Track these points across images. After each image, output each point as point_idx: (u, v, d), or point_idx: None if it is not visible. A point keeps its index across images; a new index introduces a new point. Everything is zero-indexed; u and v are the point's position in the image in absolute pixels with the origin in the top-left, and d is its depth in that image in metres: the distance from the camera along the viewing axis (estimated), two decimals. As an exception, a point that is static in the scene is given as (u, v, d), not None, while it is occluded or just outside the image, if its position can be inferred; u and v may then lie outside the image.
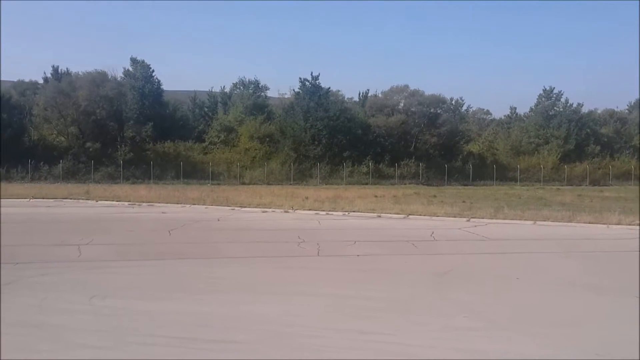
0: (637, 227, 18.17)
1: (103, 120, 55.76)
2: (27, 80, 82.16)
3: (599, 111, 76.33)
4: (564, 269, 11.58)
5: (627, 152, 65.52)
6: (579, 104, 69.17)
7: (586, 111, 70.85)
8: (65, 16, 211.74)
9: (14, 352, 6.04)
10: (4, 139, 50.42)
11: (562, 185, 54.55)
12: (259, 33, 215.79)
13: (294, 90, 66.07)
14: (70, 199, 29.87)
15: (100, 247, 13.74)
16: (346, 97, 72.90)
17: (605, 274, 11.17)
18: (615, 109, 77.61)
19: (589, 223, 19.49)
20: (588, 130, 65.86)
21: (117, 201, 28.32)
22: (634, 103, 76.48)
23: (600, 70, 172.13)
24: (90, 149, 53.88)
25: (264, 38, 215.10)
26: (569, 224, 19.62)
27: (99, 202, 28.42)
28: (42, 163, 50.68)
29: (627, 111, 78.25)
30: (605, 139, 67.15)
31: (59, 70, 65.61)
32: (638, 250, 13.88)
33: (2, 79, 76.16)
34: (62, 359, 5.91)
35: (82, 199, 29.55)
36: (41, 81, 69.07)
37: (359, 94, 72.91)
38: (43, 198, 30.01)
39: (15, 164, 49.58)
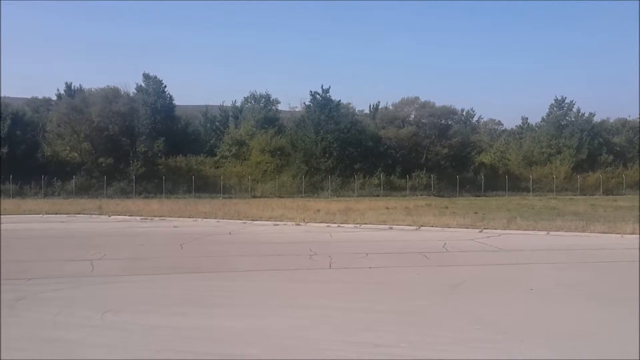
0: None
1: (115, 135, 56.10)
2: (40, 97, 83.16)
3: (611, 120, 75.83)
4: (578, 280, 11.48)
5: (640, 160, 64.94)
6: (590, 113, 68.69)
7: (598, 120, 70.42)
8: (77, 34, 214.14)
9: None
10: (17, 155, 50.89)
11: (575, 195, 54.17)
12: (269, 47, 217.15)
13: (304, 103, 66.19)
14: (83, 214, 30.03)
15: (112, 261, 13.79)
16: (357, 109, 72.97)
17: (619, 284, 11.06)
18: (628, 118, 77.02)
19: (603, 233, 19.34)
20: (600, 139, 65.44)
21: (130, 216, 28.44)
22: (646, 111, 76.08)
23: (612, 79, 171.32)
24: (103, 164, 54.18)
25: (275, 52, 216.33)
26: (583, 234, 19.47)
27: (112, 217, 28.55)
28: (55, 179, 51.00)
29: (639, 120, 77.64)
30: (618, 148, 66.69)
31: (72, 87, 66.11)
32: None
33: (16, 96, 77.34)
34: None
35: (95, 214, 29.71)
36: (54, 98, 69.66)
37: (370, 106, 72.90)
38: (56, 213, 30.20)
39: (29, 180, 49.90)
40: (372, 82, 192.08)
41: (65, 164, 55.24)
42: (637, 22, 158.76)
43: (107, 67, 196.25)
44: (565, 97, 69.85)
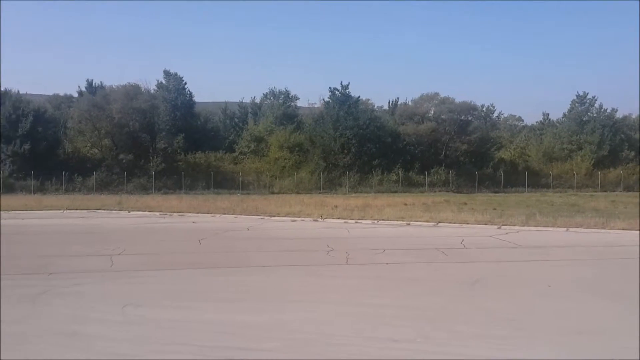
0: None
1: (136, 132, 56.51)
2: (62, 94, 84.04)
3: (633, 116, 74.88)
4: (596, 277, 11.38)
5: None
6: (613, 109, 67.78)
7: (620, 116, 69.55)
8: (99, 31, 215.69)
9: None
10: (39, 152, 51.52)
11: (596, 192, 53.57)
12: (289, 44, 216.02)
13: (323, 99, 66.14)
14: (104, 209, 30.34)
15: (132, 257, 13.94)
16: (376, 105, 72.75)
17: (638, 282, 10.93)
18: (651, 114, 75.94)
19: (623, 229, 19.12)
20: (622, 135, 64.65)
21: (149, 211, 28.68)
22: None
23: (634, 75, 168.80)
24: (123, 161, 54.61)
25: (294, 49, 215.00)
26: (603, 230, 19.27)
27: (132, 212, 28.81)
28: (76, 175, 51.50)
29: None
30: (640, 144, 65.84)
31: (93, 84, 66.65)
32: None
33: (38, 93, 78.30)
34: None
35: (115, 210, 30.00)
36: (76, 95, 70.31)
37: (389, 103, 72.75)
38: (77, 209, 30.53)
39: (50, 176, 50.47)
40: (391, 78, 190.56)
41: (86, 160, 55.79)
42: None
43: (128, 64, 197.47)
44: (587, 93, 69.09)
